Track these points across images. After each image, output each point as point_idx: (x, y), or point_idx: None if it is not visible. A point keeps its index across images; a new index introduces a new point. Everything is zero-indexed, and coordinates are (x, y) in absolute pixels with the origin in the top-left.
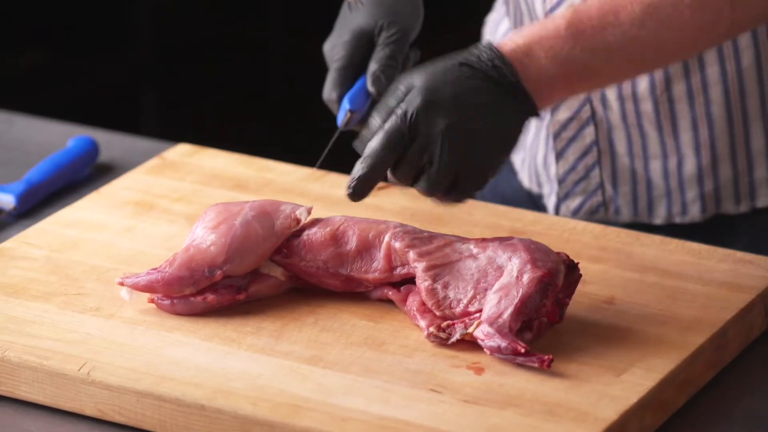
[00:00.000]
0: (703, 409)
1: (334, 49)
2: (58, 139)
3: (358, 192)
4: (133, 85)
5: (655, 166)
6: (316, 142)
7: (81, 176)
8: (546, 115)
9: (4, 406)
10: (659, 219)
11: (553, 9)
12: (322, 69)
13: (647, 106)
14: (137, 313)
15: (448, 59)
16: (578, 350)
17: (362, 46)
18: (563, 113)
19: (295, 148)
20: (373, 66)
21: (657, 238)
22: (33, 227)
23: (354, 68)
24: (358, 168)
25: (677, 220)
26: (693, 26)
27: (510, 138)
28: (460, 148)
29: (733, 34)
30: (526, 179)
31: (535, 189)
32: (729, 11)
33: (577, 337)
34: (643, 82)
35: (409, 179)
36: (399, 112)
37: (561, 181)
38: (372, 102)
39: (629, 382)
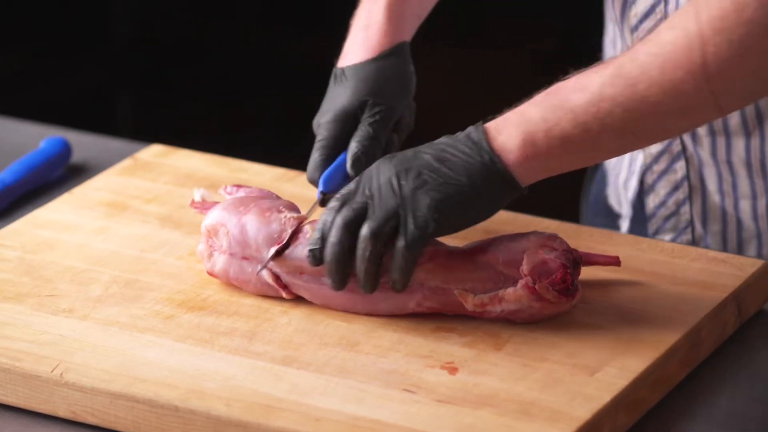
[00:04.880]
0: (677, 407)
1: (319, 128)
2: (30, 140)
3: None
4: (108, 87)
5: (745, 207)
6: (289, 143)
7: (54, 177)
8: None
9: None
10: None
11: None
12: (298, 70)
13: (738, 143)
14: (111, 314)
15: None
16: (552, 349)
17: (345, 125)
18: (655, 146)
19: (269, 148)
20: (353, 146)
21: (630, 238)
22: (6, 228)
23: (336, 148)
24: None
25: None
26: (661, 85)
27: (490, 210)
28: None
29: (721, 101)
30: (612, 194)
31: (615, 206)
32: (702, 75)
33: (550, 336)
34: (735, 116)
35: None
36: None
37: (651, 216)
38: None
39: (603, 381)
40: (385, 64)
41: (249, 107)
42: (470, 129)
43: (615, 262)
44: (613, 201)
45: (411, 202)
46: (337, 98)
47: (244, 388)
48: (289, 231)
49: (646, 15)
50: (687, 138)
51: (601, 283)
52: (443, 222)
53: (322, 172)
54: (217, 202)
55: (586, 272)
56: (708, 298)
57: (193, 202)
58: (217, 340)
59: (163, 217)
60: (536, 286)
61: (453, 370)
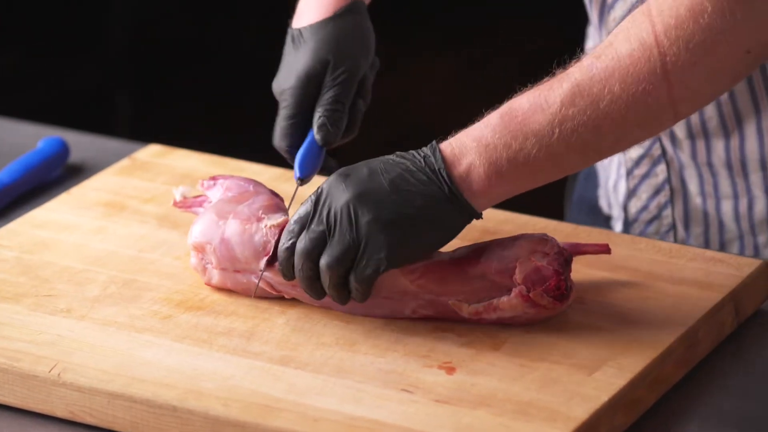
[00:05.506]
0: (674, 407)
1: (282, 94)
2: (28, 140)
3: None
4: (106, 87)
5: (727, 208)
6: None
7: (51, 177)
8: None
9: None
10: None
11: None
12: None
13: (718, 144)
14: (109, 314)
15: (379, 165)
16: (549, 349)
17: (309, 90)
18: (635, 150)
19: (267, 148)
20: (318, 113)
21: (627, 237)
22: (3, 228)
23: (302, 115)
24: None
25: None
26: (625, 100)
27: (446, 239)
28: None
29: (679, 108)
30: (603, 196)
31: (605, 208)
32: (664, 85)
33: (548, 336)
34: (713, 118)
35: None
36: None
37: (633, 220)
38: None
39: (600, 381)
40: (344, 22)
41: (247, 107)
42: (427, 152)
43: (605, 249)
44: (603, 203)
45: (366, 239)
46: (297, 61)
47: (242, 388)
48: (273, 242)
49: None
50: (666, 141)
51: (599, 283)
52: (398, 259)
53: (289, 141)
54: (200, 196)
55: (585, 272)
56: (705, 298)
57: (175, 202)
58: (215, 340)
59: (160, 217)
60: (530, 294)
61: (451, 370)
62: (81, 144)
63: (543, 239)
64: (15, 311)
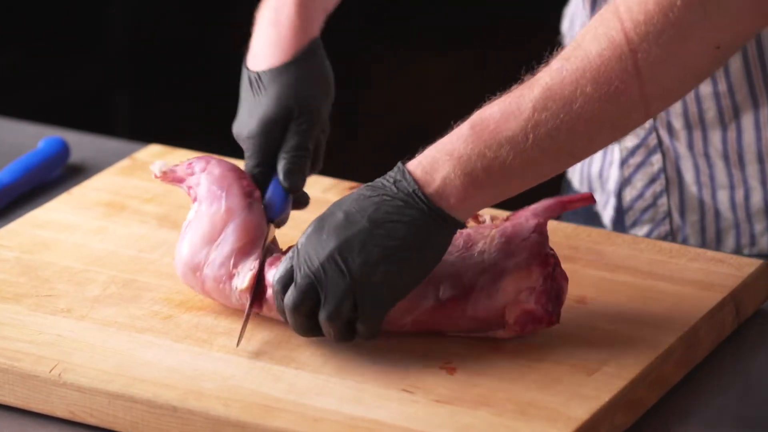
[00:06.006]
0: (675, 408)
1: (245, 143)
2: (28, 140)
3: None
4: (106, 87)
5: (723, 197)
6: None
7: (52, 177)
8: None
9: None
10: (728, 250)
11: None
12: None
13: (715, 135)
14: (109, 314)
15: (347, 206)
16: (550, 349)
17: (272, 136)
18: (630, 140)
19: None
20: (283, 160)
21: (628, 237)
22: (3, 228)
23: (267, 162)
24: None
25: (746, 251)
26: (597, 100)
27: (438, 256)
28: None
29: (650, 106)
30: (576, 182)
31: (575, 184)
32: (636, 82)
33: (548, 336)
34: (711, 109)
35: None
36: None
37: (628, 208)
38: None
39: (601, 381)
40: (305, 65)
41: None
42: (396, 176)
43: (588, 198)
44: (583, 188)
45: (362, 283)
46: (258, 107)
47: (242, 388)
48: (248, 306)
49: None
50: (663, 131)
51: (599, 283)
52: (399, 293)
53: (258, 188)
54: (179, 167)
55: (585, 272)
56: (706, 298)
57: (156, 176)
58: (215, 341)
59: (161, 217)
60: (524, 329)
61: (451, 370)
62: (81, 144)
63: (527, 272)
64: (15, 311)
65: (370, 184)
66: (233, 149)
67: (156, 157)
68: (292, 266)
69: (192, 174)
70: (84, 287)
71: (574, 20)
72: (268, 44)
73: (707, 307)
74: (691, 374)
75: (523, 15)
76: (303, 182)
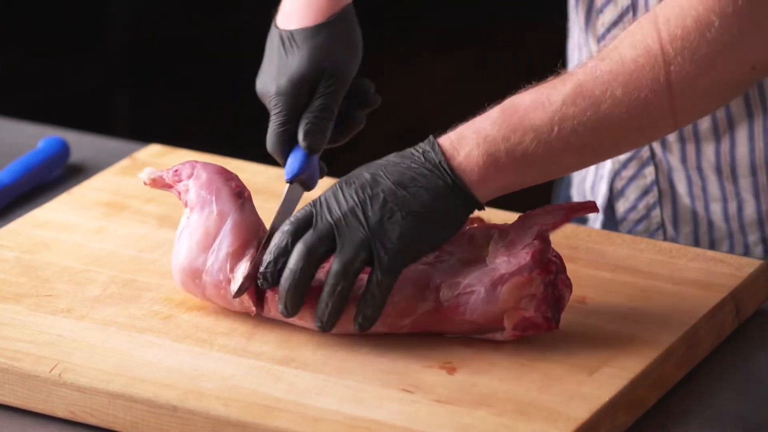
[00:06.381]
0: (675, 407)
1: (273, 98)
2: (28, 140)
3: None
4: (106, 87)
5: (716, 209)
6: None
7: (52, 177)
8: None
9: None
10: None
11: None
12: None
13: (708, 148)
14: (109, 314)
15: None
16: (550, 349)
17: (301, 95)
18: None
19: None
20: (306, 120)
21: (628, 238)
22: (3, 228)
23: (294, 121)
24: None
25: None
26: (626, 105)
27: (452, 231)
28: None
29: (679, 117)
30: (575, 194)
31: None
32: (666, 94)
33: (548, 336)
34: (705, 121)
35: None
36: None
37: (622, 220)
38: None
39: (601, 381)
40: (338, 29)
41: (247, 107)
42: (425, 147)
43: (592, 206)
44: (578, 199)
45: (380, 233)
46: (289, 65)
47: (242, 388)
48: (252, 303)
49: (614, 24)
50: (656, 144)
51: (599, 283)
52: (415, 251)
53: (284, 148)
54: (165, 172)
55: (585, 272)
56: (706, 298)
57: (146, 183)
58: (215, 340)
59: (161, 217)
60: (523, 334)
61: (451, 370)
62: (81, 144)
63: (528, 279)
64: (15, 311)
65: (399, 153)
66: (233, 149)
67: (156, 157)
68: (311, 211)
69: (179, 180)
70: (84, 287)
71: (581, 49)
72: (302, 4)
73: (707, 307)
74: (692, 374)
75: (523, 15)
76: (323, 143)
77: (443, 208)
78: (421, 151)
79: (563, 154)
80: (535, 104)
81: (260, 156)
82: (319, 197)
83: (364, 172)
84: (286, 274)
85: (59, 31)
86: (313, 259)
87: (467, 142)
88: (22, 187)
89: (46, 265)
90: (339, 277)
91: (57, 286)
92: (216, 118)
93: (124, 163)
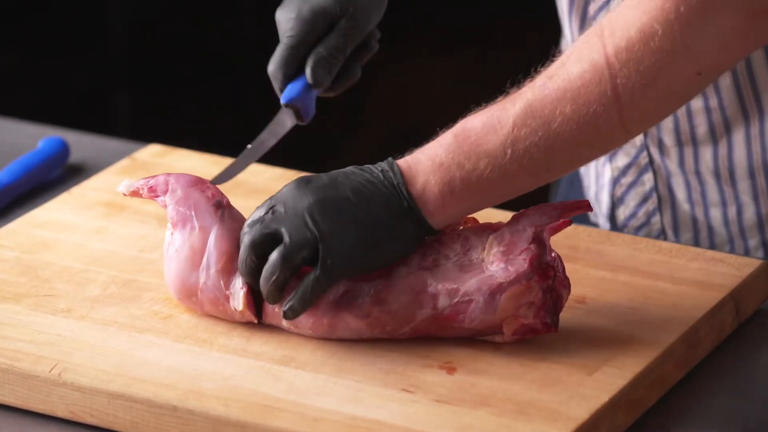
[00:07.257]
0: (675, 407)
1: (290, 22)
2: (28, 140)
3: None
4: (106, 87)
5: (716, 214)
6: (288, 143)
7: (52, 177)
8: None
9: None
10: None
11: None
12: None
13: (706, 152)
14: (109, 314)
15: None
16: (550, 349)
17: (318, 27)
18: (621, 159)
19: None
20: (316, 53)
21: (628, 237)
22: (3, 228)
23: (305, 48)
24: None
25: None
26: (576, 121)
27: (403, 252)
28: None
29: (630, 129)
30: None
31: (591, 216)
32: (615, 106)
33: (548, 335)
34: (702, 125)
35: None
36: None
37: (623, 227)
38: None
39: (601, 381)
40: None
41: (247, 107)
42: (384, 167)
43: (586, 206)
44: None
45: (330, 236)
46: None
47: (242, 388)
48: (253, 313)
49: None
50: (654, 150)
51: (600, 282)
52: (359, 263)
53: (287, 70)
54: (140, 185)
55: (585, 272)
56: (706, 298)
57: (125, 195)
58: (215, 340)
59: (161, 216)
60: (522, 338)
61: (451, 370)
62: (81, 144)
63: (527, 287)
64: (15, 311)
65: (358, 166)
66: (233, 149)
67: (156, 157)
68: (264, 211)
69: (156, 196)
70: (84, 287)
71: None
72: None
73: (707, 306)
74: (692, 374)
75: (523, 15)
76: (327, 81)
77: (397, 228)
78: (380, 169)
79: (517, 176)
80: (486, 128)
81: (260, 156)
82: (277, 194)
83: (323, 176)
84: (240, 266)
85: (59, 31)
86: (255, 253)
87: (423, 169)
88: (22, 187)
89: (46, 265)
90: (275, 266)
91: (57, 286)
92: (216, 118)
93: (124, 163)
